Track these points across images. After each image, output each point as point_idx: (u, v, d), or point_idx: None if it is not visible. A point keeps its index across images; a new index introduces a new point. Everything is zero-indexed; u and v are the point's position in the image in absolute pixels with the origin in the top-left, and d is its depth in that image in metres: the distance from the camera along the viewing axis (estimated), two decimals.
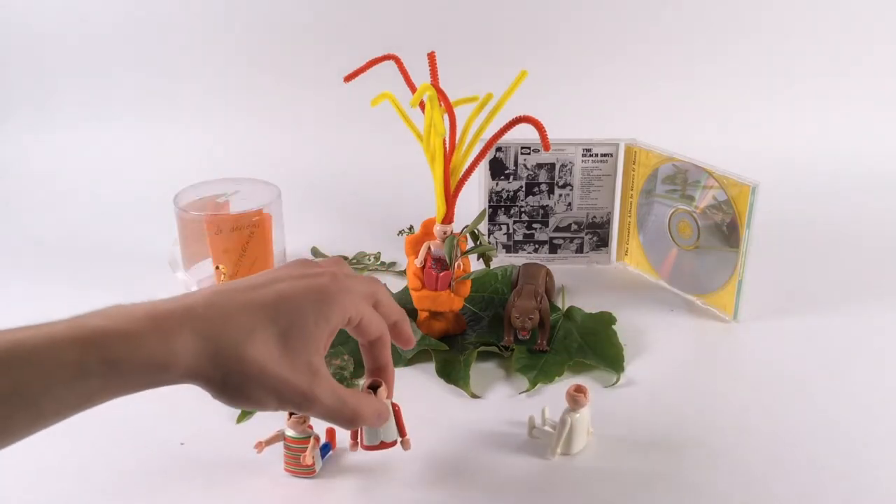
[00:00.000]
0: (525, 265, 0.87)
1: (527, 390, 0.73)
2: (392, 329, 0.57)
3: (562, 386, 0.72)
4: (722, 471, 0.63)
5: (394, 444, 0.60)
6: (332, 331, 0.50)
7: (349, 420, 0.52)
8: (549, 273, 0.86)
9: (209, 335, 0.45)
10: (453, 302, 0.78)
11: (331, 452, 0.65)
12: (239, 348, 0.45)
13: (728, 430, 0.68)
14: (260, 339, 0.46)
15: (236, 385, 0.46)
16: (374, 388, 0.57)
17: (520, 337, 0.78)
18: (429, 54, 0.74)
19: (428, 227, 0.78)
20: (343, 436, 0.65)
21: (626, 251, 0.96)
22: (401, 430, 0.61)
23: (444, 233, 0.76)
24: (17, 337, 0.41)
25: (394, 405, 0.60)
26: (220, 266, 0.80)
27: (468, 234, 0.79)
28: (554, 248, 0.97)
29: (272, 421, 0.67)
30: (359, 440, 0.61)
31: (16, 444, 0.42)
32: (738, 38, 1.33)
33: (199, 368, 0.44)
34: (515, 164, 0.92)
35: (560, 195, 0.94)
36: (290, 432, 0.62)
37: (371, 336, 0.55)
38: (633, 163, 0.91)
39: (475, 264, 0.89)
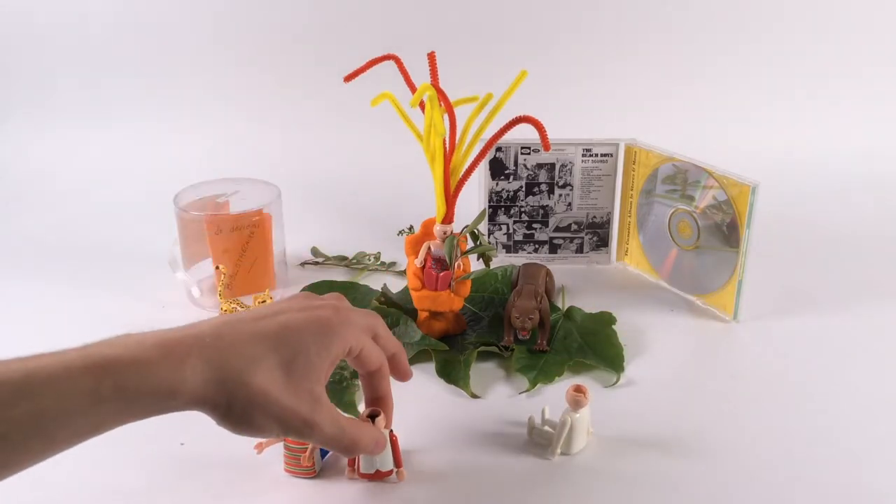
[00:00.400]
0: (525, 265, 0.87)
1: (527, 390, 0.73)
2: (390, 361, 0.59)
3: (562, 386, 0.72)
4: (722, 471, 0.63)
5: (389, 473, 0.62)
6: (333, 361, 0.52)
7: (347, 448, 0.54)
8: (549, 273, 0.86)
9: (217, 363, 0.47)
10: (453, 302, 0.78)
11: (330, 453, 0.65)
12: (244, 376, 0.47)
13: (728, 430, 0.68)
14: (265, 367, 0.48)
15: (241, 412, 0.48)
16: (373, 417, 0.59)
17: (520, 337, 0.78)
18: (429, 54, 0.74)
19: (428, 227, 0.78)
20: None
21: (626, 251, 0.96)
22: (397, 461, 0.61)
23: (444, 233, 0.76)
24: (31, 366, 0.42)
25: (391, 435, 0.61)
26: (220, 266, 0.80)
27: (468, 234, 0.79)
28: (554, 248, 0.97)
29: None
30: (356, 467, 0.62)
31: None
32: (739, 39, 1.33)
33: (205, 395, 0.46)
34: (515, 164, 0.92)
35: (560, 195, 0.94)
36: None
37: (371, 367, 0.57)
38: (633, 163, 0.91)
39: (475, 264, 0.89)
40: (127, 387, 0.43)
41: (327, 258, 0.98)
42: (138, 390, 0.44)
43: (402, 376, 0.61)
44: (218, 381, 0.46)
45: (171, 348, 0.46)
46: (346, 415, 0.53)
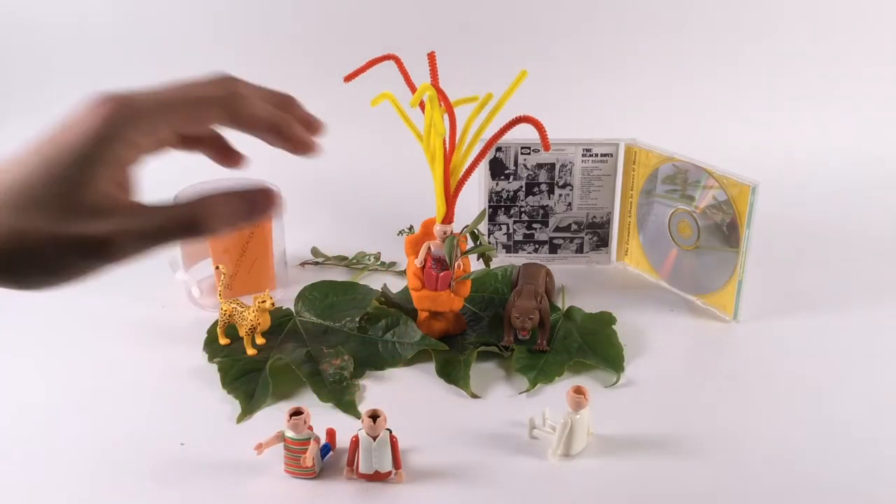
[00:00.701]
0: (525, 265, 0.87)
1: (527, 390, 0.73)
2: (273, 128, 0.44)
3: (562, 386, 0.72)
4: (722, 471, 0.63)
5: (388, 474, 0.62)
6: (118, 165, 0.40)
7: (192, 221, 0.41)
8: (549, 273, 0.86)
9: None
10: (453, 302, 0.78)
11: (331, 453, 0.65)
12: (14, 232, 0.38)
13: (728, 430, 0.68)
14: (36, 217, 0.38)
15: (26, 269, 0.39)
16: (374, 417, 0.59)
17: (520, 337, 0.78)
18: (429, 54, 0.74)
19: (428, 227, 0.78)
20: (343, 437, 0.65)
21: (626, 251, 0.96)
22: (396, 463, 0.62)
23: (444, 233, 0.76)
24: None
25: (391, 437, 0.61)
26: (220, 266, 0.80)
27: (468, 234, 0.79)
28: (554, 248, 0.97)
29: (272, 422, 0.67)
30: (355, 468, 0.62)
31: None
32: (739, 39, 1.33)
33: None
34: (515, 164, 0.92)
35: (560, 195, 0.94)
36: (290, 434, 0.62)
37: (258, 123, 0.43)
38: (633, 163, 0.91)
39: (475, 264, 0.89)
40: None
41: (327, 258, 0.98)
42: None
43: (300, 142, 0.45)
44: None
45: None
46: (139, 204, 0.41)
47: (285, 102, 0.45)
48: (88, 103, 0.41)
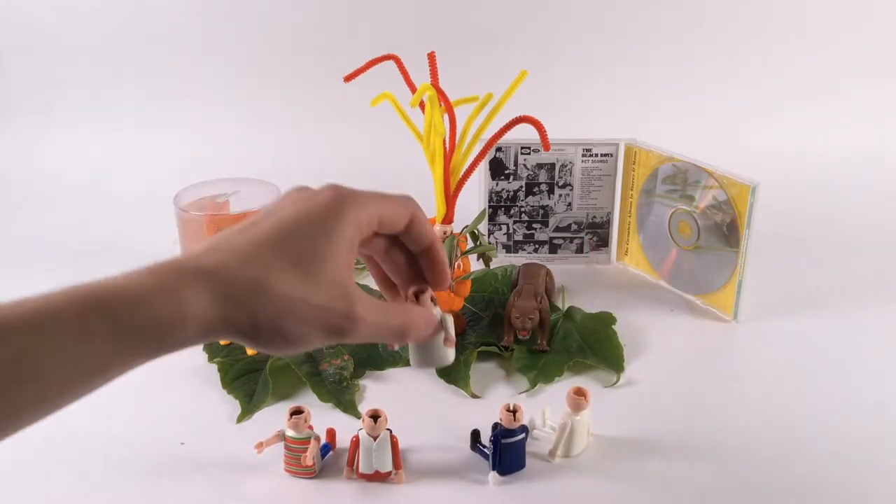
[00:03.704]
0: (525, 265, 0.87)
1: (527, 390, 0.73)
2: (426, 253, 0.50)
3: (562, 386, 0.72)
4: (722, 471, 0.63)
5: (388, 475, 0.62)
6: (350, 245, 0.44)
7: (399, 332, 0.46)
8: (549, 273, 0.86)
9: (222, 280, 0.40)
10: (453, 302, 0.78)
11: (331, 453, 0.65)
12: (259, 284, 0.41)
13: (728, 430, 0.68)
14: (277, 271, 0.41)
15: (270, 325, 0.41)
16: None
17: (520, 337, 0.78)
18: (429, 54, 0.74)
19: None
20: (343, 437, 0.65)
21: (626, 251, 0.96)
22: (396, 463, 0.62)
23: (444, 233, 0.76)
24: (10, 304, 0.37)
25: (392, 437, 0.61)
26: None
27: (468, 234, 0.79)
28: (554, 248, 0.97)
29: (272, 421, 0.67)
30: (355, 468, 0.62)
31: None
32: (739, 38, 1.33)
33: (221, 316, 0.40)
34: (515, 164, 0.92)
35: (560, 195, 0.94)
36: (290, 433, 0.62)
37: (424, 241, 0.49)
38: (633, 163, 0.91)
39: (475, 264, 0.89)
40: (120, 318, 0.37)
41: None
42: (134, 321, 0.38)
43: (440, 277, 0.50)
44: (229, 297, 0.40)
45: (164, 273, 0.40)
46: (378, 300, 0.46)
47: (437, 242, 0.52)
48: (298, 191, 0.47)
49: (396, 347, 0.51)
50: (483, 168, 0.91)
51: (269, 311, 0.41)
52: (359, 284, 0.45)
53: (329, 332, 0.43)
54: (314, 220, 0.44)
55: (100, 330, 0.37)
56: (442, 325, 0.51)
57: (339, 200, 0.45)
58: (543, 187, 0.93)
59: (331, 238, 0.44)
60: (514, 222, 0.95)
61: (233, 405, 0.71)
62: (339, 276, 0.44)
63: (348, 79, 0.76)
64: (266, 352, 0.43)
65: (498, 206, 0.94)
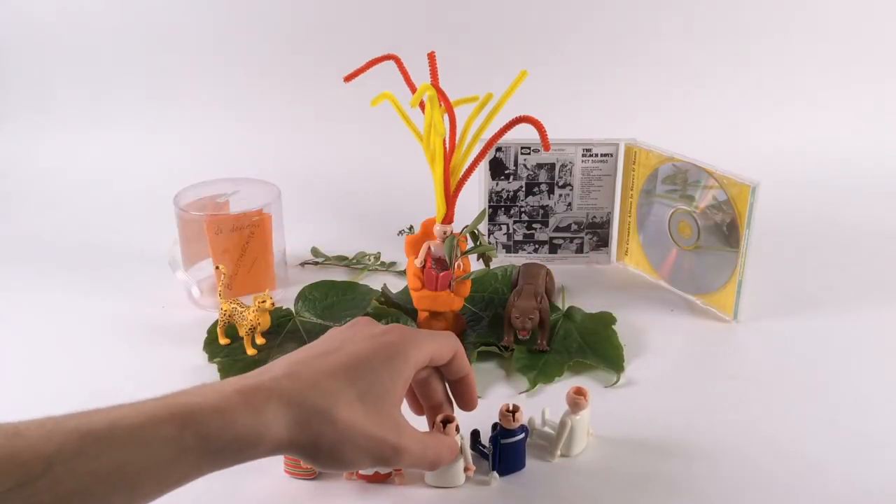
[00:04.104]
0: (525, 265, 0.87)
1: (527, 390, 0.73)
2: (461, 381, 0.59)
3: (562, 386, 0.72)
4: (722, 471, 0.63)
5: (388, 475, 0.62)
6: (405, 383, 0.52)
7: (432, 463, 0.54)
8: (549, 273, 0.86)
9: (298, 405, 0.46)
10: (453, 302, 0.78)
11: None
12: (329, 413, 0.47)
13: (728, 431, 0.68)
14: (345, 401, 0.48)
15: (329, 449, 0.47)
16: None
17: (520, 337, 0.78)
18: (429, 54, 0.74)
19: (428, 227, 0.78)
20: None
21: (626, 251, 0.96)
22: None
23: (444, 233, 0.76)
24: (113, 416, 0.41)
25: None
26: (220, 266, 0.80)
27: (468, 234, 0.79)
28: (554, 248, 0.97)
29: None
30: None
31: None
32: (739, 38, 1.33)
33: (291, 438, 0.46)
34: (515, 164, 0.92)
35: (560, 195, 0.94)
36: None
37: (460, 373, 0.58)
38: (633, 163, 0.91)
39: (475, 264, 0.89)
40: (210, 435, 0.43)
41: (327, 258, 0.98)
42: (221, 438, 0.43)
43: (468, 404, 0.60)
44: (301, 422, 0.46)
45: (251, 394, 0.45)
46: (419, 432, 0.54)
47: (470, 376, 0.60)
48: (377, 324, 0.56)
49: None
50: (483, 168, 0.91)
51: (332, 438, 0.47)
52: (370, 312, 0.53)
53: (378, 460, 0.50)
54: (382, 359, 0.51)
55: (191, 446, 0.42)
56: (462, 452, 0.59)
57: (403, 342, 0.53)
58: (543, 187, 0.93)
59: (393, 376, 0.51)
60: (514, 222, 0.95)
61: None
62: (393, 410, 0.51)
63: (348, 79, 0.76)
64: (319, 468, 0.52)
65: (498, 206, 0.94)
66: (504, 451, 0.62)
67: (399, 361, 0.52)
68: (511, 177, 0.93)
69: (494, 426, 0.63)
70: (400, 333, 0.54)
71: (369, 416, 0.49)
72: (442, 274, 0.77)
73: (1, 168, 1.28)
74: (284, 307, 0.84)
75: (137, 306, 0.88)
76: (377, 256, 0.98)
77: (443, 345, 0.56)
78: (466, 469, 0.61)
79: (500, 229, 0.95)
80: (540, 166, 0.92)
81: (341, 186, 1.21)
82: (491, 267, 0.86)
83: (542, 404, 0.68)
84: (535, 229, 0.95)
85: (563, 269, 0.95)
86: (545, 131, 0.69)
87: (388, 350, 0.52)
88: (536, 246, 0.96)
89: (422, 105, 0.73)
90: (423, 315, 0.80)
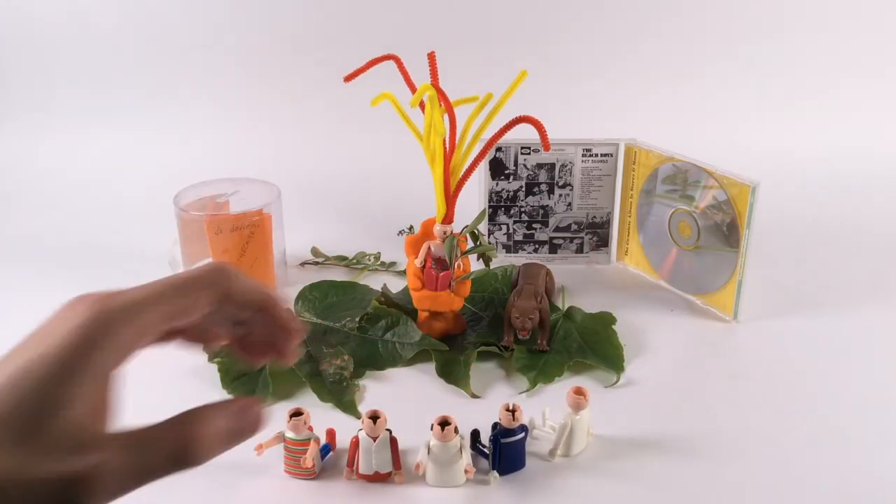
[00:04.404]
0: (525, 265, 0.87)
1: (527, 390, 0.73)
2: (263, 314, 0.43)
3: (562, 386, 0.72)
4: (722, 471, 0.63)
5: (388, 475, 0.62)
6: (108, 374, 0.35)
7: (181, 453, 0.38)
8: (549, 273, 0.86)
9: None
10: (453, 302, 0.78)
11: (331, 454, 0.65)
12: None
13: (728, 431, 0.68)
14: None
15: None
16: (374, 418, 0.58)
17: (520, 337, 0.78)
18: (429, 54, 0.74)
19: (428, 227, 0.78)
20: (343, 437, 0.65)
21: (626, 251, 0.96)
22: (395, 463, 0.62)
23: (444, 233, 0.76)
24: None
25: (391, 437, 0.61)
26: None
27: (468, 234, 0.79)
28: (554, 248, 0.97)
29: (272, 422, 0.67)
30: (355, 469, 0.62)
31: None
32: (739, 38, 1.33)
33: None
34: (515, 164, 0.92)
35: (560, 195, 0.94)
36: (290, 434, 0.62)
37: (204, 310, 0.41)
38: (633, 163, 0.91)
39: (475, 264, 0.89)
40: None
41: (327, 258, 0.98)
42: None
43: (286, 332, 0.43)
44: None
45: None
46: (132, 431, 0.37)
47: (270, 298, 0.43)
48: (63, 307, 0.36)
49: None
50: (483, 168, 0.91)
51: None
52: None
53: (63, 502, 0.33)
54: (45, 372, 0.33)
55: None
56: (462, 453, 0.59)
57: (87, 329, 0.35)
58: (543, 187, 0.93)
59: (70, 384, 0.33)
60: (514, 222, 0.95)
61: None
62: (79, 424, 0.34)
63: (348, 79, 0.76)
64: None
65: (498, 206, 0.94)
66: (504, 450, 0.62)
67: (80, 361, 0.34)
68: (511, 177, 0.93)
69: (494, 426, 0.63)
70: (82, 320, 0.35)
71: (32, 453, 0.32)
72: (442, 274, 0.77)
73: (1, 168, 1.28)
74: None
75: None
76: (377, 256, 0.98)
77: (178, 294, 0.39)
78: (466, 471, 0.60)
79: (500, 229, 0.95)
80: (540, 166, 0.92)
81: (341, 186, 1.21)
82: (491, 267, 0.86)
83: (542, 404, 0.68)
84: (535, 229, 0.95)
85: (563, 269, 0.95)
86: (545, 131, 0.69)
87: (59, 353, 0.34)
88: (536, 246, 0.96)
89: (422, 105, 0.73)
90: (423, 315, 0.80)
